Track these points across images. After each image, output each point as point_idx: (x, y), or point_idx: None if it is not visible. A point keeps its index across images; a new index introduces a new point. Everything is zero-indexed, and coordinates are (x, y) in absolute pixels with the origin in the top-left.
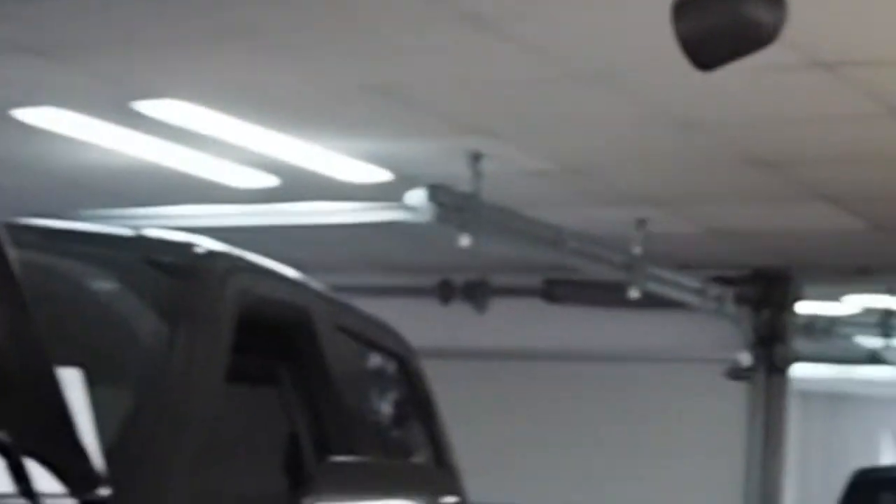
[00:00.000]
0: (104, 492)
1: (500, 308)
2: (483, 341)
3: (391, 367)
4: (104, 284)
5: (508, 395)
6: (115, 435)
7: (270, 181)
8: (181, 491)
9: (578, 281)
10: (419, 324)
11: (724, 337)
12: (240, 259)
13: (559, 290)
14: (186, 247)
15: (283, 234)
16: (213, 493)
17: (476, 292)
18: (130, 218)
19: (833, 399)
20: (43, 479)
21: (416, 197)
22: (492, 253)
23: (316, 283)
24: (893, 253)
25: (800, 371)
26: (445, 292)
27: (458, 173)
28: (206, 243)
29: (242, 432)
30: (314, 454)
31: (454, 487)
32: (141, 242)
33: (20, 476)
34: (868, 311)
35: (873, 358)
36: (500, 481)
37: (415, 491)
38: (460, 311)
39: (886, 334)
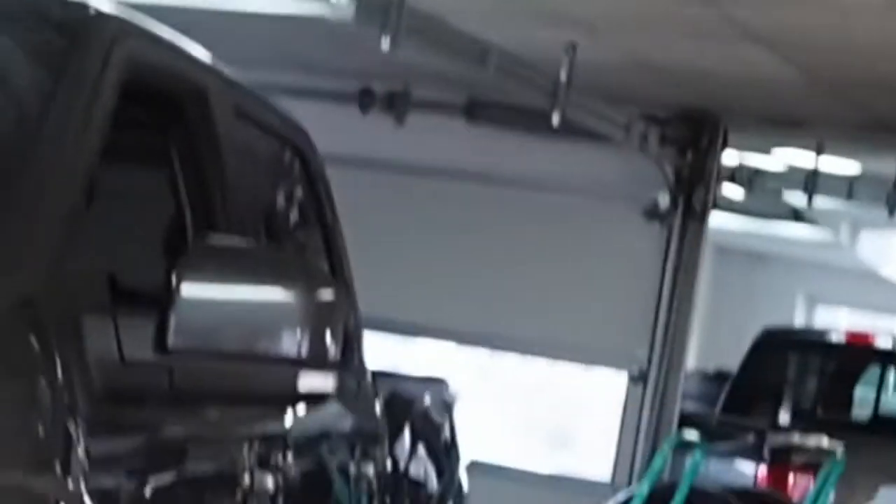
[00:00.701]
0: None
1: (419, 122)
2: (400, 154)
3: (291, 162)
4: None
5: (421, 213)
6: None
7: None
8: (41, 262)
9: (502, 103)
10: (336, 129)
11: (646, 176)
12: (133, 25)
13: (481, 109)
14: (78, 6)
15: (197, 21)
16: (81, 271)
17: (397, 103)
18: None
19: (750, 257)
20: None
21: None
22: (415, 63)
23: (217, 62)
24: (826, 107)
25: (719, 222)
26: (365, 100)
27: None
28: (99, 4)
29: (124, 208)
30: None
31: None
32: None
33: None
34: (794, 169)
35: (795, 215)
36: (403, 300)
37: (294, 280)
38: (379, 121)
39: (810, 193)
